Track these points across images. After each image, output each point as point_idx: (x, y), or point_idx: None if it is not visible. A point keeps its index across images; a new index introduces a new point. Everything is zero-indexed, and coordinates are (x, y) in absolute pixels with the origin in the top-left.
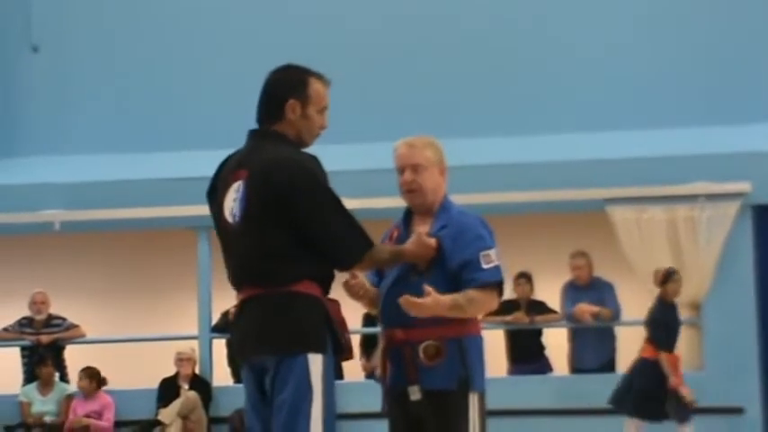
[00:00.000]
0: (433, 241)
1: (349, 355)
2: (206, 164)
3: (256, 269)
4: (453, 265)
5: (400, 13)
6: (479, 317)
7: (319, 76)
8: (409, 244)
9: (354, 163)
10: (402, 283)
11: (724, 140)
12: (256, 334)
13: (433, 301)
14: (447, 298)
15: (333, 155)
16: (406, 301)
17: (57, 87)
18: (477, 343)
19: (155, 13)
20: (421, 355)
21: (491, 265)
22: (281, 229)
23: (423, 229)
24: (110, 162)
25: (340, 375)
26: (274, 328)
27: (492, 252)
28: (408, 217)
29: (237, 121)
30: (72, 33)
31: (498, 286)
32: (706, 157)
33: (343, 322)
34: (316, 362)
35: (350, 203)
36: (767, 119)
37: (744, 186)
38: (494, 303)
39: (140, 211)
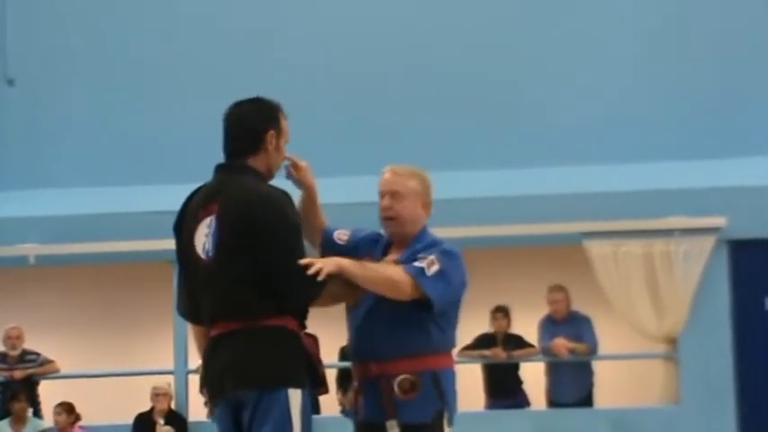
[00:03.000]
0: None
1: (324, 390)
2: (182, 197)
3: (232, 303)
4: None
5: (385, 46)
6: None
7: (283, 110)
8: None
9: (339, 196)
10: (372, 315)
11: (700, 175)
12: (236, 368)
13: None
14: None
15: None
16: None
17: (32, 121)
18: (451, 376)
19: (130, 48)
20: (396, 389)
21: (421, 264)
22: (254, 263)
23: (390, 258)
24: (85, 196)
25: (317, 410)
26: (255, 363)
27: (432, 258)
28: (388, 246)
29: (214, 156)
30: (48, 67)
31: (415, 279)
32: (682, 192)
33: (318, 357)
34: (295, 397)
35: None
36: (743, 154)
37: (719, 221)
38: (401, 289)
39: (116, 245)
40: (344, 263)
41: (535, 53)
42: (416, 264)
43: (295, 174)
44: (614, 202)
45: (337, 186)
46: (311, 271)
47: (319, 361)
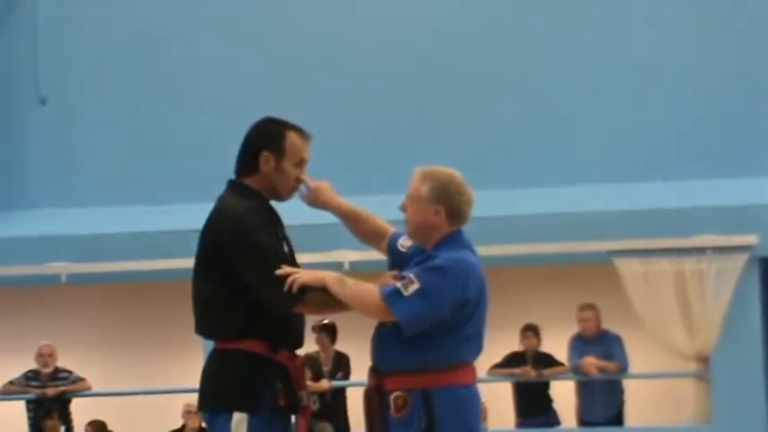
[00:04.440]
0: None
1: (303, 412)
2: None
3: (198, 324)
4: None
5: (407, 66)
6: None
7: (298, 130)
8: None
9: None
10: (378, 332)
11: (731, 193)
12: (199, 390)
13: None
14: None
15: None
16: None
17: (64, 140)
18: (454, 394)
19: (160, 68)
20: (391, 406)
21: (397, 285)
22: (214, 282)
23: (389, 274)
24: (116, 214)
25: (346, 427)
26: (206, 386)
27: (411, 277)
28: None
29: None
30: (79, 87)
31: (386, 301)
32: (713, 210)
33: (301, 380)
34: (241, 421)
35: (352, 255)
36: None
37: (751, 239)
38: (372, 311)
39: (146, 263)
40: (326, 277)
41: (564, 71)
42: (395, 284)
43: (307, 197)
44: (645, 220)
45: (365, 205)
46: (287, 282)
47: (300, 385)
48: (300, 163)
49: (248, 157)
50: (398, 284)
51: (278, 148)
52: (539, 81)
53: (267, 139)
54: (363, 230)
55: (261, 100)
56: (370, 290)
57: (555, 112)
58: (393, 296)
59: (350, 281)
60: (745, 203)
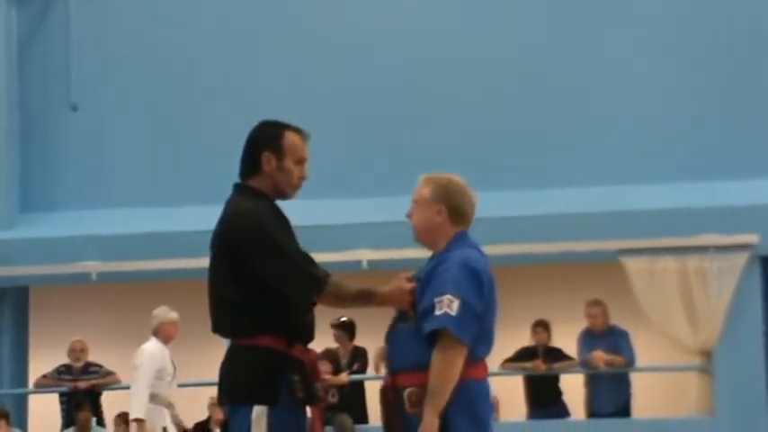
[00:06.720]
0: (408, 286)
1: (322, 404)
2: None
3: (215, 323)
4: (418, 314)
5: (419, 68)
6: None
7: (296, 130)
8: (384, 286)
9: (377, 215)
10: (392, 331)
11: (733, 194)
12: (219, 385)
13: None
14: (425, 410)
15: (359, 208)
16: None
17: (94, 145)
18: (465, 389)
19: (184, 75)
20: (406, 402)
21: (441, 312)
22: (229, 281)
23: (404, 274)
24: (143, 216)
25: (365, 419)
26: (222, 380)
27: (446, 298)
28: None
29: None
30: (108, 94)
31: (448, 331)
32: (716, 210)
33: (315, 372)
34: (261, 414)
35: (370, 254)
36: None
37: (752, 238)
38: (453, 356)
39: (172, 262)
40: (428, 414)
41: (572, 75)
42: (436, 312)
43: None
44: (650, 220)
45: (377, 206)
46: None
47: (316, 378)
48: (300, 161)
49: (251, 159)
50: (443, 311)
51: (277, 148)
52: (549, 86)
53: (267, 141)
54: None
55: (275, 109)
56: (442, 355)
57: (564, 116)
58: (439, 320)
59: (434, 380)
60: (746, 204)
